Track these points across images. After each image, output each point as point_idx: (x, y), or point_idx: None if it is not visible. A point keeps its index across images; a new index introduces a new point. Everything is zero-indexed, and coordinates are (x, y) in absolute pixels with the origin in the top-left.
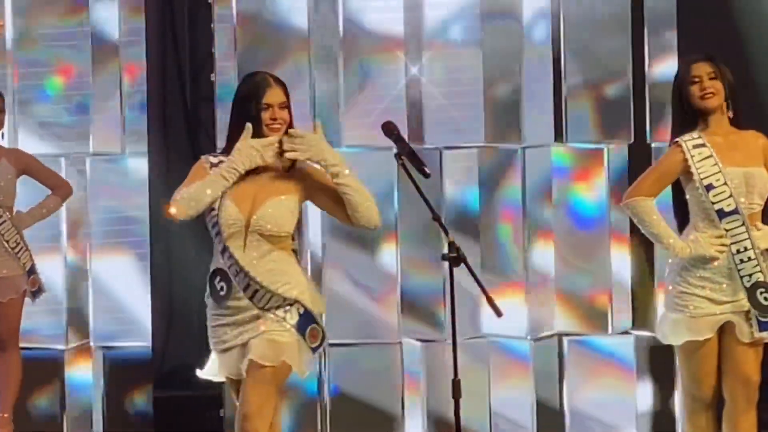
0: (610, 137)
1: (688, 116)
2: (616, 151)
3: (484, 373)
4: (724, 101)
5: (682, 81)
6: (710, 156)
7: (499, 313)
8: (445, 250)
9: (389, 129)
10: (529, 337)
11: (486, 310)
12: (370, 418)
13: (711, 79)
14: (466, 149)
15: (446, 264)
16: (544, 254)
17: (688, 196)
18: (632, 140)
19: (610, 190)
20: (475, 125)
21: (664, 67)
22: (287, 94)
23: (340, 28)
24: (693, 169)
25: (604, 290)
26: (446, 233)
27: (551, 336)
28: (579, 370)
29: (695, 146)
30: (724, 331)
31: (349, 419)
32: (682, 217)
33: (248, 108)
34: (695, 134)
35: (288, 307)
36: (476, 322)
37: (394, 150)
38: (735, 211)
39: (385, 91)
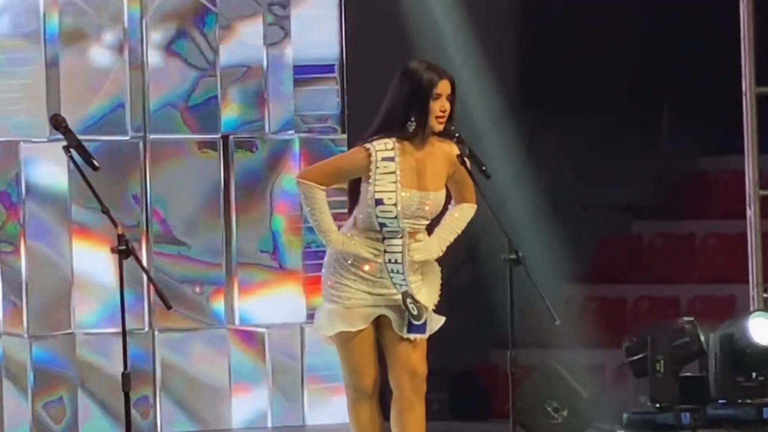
0: None
1: (400, 119)
2: None
3: None
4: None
5: (421, 90)
6: (393, 173)
7: (168, 306)
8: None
9: (57, 121)
10: None
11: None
12: None
13: (449, 100)
14: None
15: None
16: None
17: (362, 190)
18: None
19: None
20: None
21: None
22: None
23: None
24: (371, 179)
25: None
26: (115, 225)
27: None
28: None
29: (384, 158)
30: (384, 324)
31: None
32: (353, 201)
33: None
34: (390, 144)
35: None
36: None
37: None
38: (396, 228)
39: None
